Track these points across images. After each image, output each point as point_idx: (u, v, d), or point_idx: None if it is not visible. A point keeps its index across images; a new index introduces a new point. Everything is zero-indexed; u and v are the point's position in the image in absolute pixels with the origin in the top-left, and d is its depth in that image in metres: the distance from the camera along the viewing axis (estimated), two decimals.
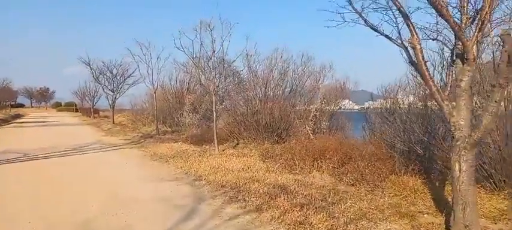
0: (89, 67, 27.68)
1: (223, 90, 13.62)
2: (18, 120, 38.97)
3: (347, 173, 7.36)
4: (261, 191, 6.32)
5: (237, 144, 12.87)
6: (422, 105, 6.96)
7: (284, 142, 11.73)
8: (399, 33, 4.86)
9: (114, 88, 28.02)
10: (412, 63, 4.82)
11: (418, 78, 6.98)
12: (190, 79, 20.37)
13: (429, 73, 4.52)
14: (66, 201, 6.17)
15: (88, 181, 7.79)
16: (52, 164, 10.03)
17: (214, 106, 11.52)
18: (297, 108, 13.19)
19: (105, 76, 28.08)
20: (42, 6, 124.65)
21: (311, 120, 11.51)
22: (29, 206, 5.84)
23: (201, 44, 10.81)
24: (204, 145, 13.16)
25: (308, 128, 11.31)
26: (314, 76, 12.53)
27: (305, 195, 6.08)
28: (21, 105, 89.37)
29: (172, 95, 21.10)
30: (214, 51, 10.91)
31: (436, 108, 6.26)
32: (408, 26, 4.51)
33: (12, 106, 74.00)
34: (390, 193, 6.20)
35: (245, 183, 6.93)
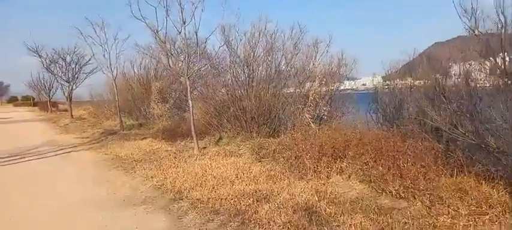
0: (37, 55, 24.08)
1: (197, 74, 11.19)
2: None
3: (385, 177, 5.32)
4: (278, 220, 4.13)
5: (220, 138, 10.59)
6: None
7: (278, 135, 9.59)
8: None
9: (70, 79, 24.63)
10: None
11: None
12: (157, 65, 17.66)
13: None
14: None
15: (14, 214, 5.30)
16: None
17: (189, 94, 9.14)
18: (289, 90, 11.04)
19: (57, 65, 24.61)
20: None
21: (310, 106, 9.40)
22: None
23: (167, 13, 8.30)
24: (178, 141, 10.81)
25: (308, 115, 9.20)
26: (309, 52, 10.37)
27: (350, 225, 3.96)
28: None
29: (136, 83, 18.32)
30: (184, 23, 8.44)
31: None
32: None
33: None
34: (468, 211, 4.20)
35: (249, 205, 4.72)
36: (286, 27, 10.54)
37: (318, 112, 9.58)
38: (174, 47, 11.93)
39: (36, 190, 6.47)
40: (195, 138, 8.97)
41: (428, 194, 4.71)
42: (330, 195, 5.06)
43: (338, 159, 6.23)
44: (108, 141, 12.46)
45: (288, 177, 6.21)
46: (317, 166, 6.34)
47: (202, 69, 10.77)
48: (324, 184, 5.67)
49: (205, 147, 9.54)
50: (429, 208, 4.43)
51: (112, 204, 5.35)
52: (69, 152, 10.75)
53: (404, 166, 5.28)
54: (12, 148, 11.18)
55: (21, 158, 9.72)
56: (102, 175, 7.35)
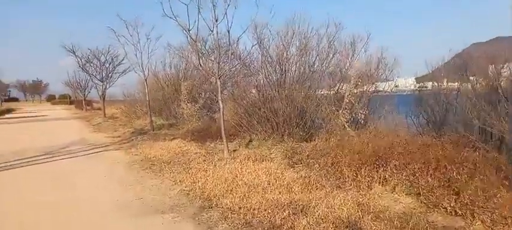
0: (74, 55, 24.81)
1: (227, 74, 10.89)
2: (6, 115, 36.30)
3: (435, 190, 4.75)
4: None
5: (250, 141, 10.24)
6: None
7: (312, 139, 9.11)
8: None
9: (103, 78, 25.20)
10: None
11: None
12: (187, 64, 17.60)
13: None
14: None
15: (37, 216, 5.16)
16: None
17: (219, 95, 8.84)
18: (323, 92, 10.52)
19: (92, 64, 25.25)
20: None
21: (345, 108, 8.86)
22: None
23: (199, 10, 8.01)
24: (207, 143, 10.58)
25: (343, 119, 8.67)
26: (345, 51, 9.80)
27: None
28: (15, 99, 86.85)
29: (167, 83, 18.32)
30: (216, 20, 8.14)
31: None
32: None
33: (5, 100, 71.41)
34: None
35: (284, 218, 4.31)
36: (320, 24, 9.98)
37: (354, 115, 9.02)
38: (205, 47, 11.73)
39: (62, 191, 6.35)
40: (225, 141, 8.65)
41: (489, 212, 4.12)
42: (373, 209, 4.58)
43: (380, 168, 5.69)
44: (138, 141, 12.43)
45: (324, 186, 5.76)
46: (356, 174, 5.85)
47: (233, 68, 10.43)
48: (364, 196, 5.19)
49: (235, 150, 9.22)
50: (491, 228, 3.86)
51: (139, 210, 5.10)
52: (99, 152, 10.76)
53: (459, 179, 4.69)
54: (45, 147, 11.37)
55: (51, 157, 9.79)
56: (129, 178, 7.17)
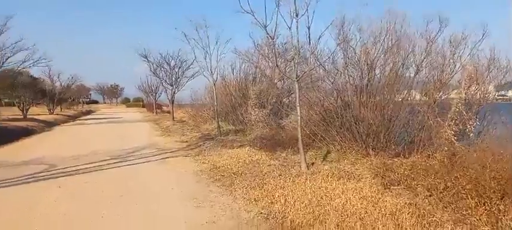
0: (146, 60, 25.55)
1: (307, 76, 9.74)
2: (86, 116, 39.17)
3: None
4: None
5: (328, 152, 9.01)
6: None
7: (405, 155, 7.61)
8: None
9: (173, 82, 25.60)
10: None
11: None
12: (256, 70, 16.84)
13: None
14: None
15: None
16: (62, 193, 7.05)
17: (297, 100, 7.73)
18: (417, 98, 8.94)
19: (162, 69, 25.79)
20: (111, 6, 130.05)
21: (452, 119, 7.26)
22: None
23: (277, 4, 6.99)
24: (278, 152, 9.58)
25: (449, 131, 7.08)
26: (450, 49, 8.10)
27: None
28: (95, 102, 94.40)
29: (235, 87, 17.73)
30: (296, 15, 7.09)
31: None
32: None
33: (87, 103, 77.80)
34: None
35: None
36: (419, 19, 8.44)
37: (461, 126, 7.36)
38: (272, 50, 10.71)
39: (126, 204, 5.73)
40: (302, 152, 7.54)
41: None
42: None
43: None
44: (206, 147, 11.84)
45: (441, 220, 4.39)
46: (487, 205, 4.39)
47: (312, 70, 9.27)
48: None
49: (313, 163, 8.06)
50: None
51: None
52: (167, 158, 10.25)
53: None
54: (118, 150, 11.34)
55: (121, 161, 9.50)
56: (198, 192, 6.33)
